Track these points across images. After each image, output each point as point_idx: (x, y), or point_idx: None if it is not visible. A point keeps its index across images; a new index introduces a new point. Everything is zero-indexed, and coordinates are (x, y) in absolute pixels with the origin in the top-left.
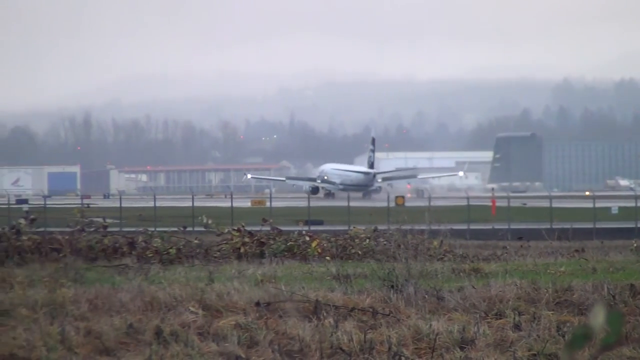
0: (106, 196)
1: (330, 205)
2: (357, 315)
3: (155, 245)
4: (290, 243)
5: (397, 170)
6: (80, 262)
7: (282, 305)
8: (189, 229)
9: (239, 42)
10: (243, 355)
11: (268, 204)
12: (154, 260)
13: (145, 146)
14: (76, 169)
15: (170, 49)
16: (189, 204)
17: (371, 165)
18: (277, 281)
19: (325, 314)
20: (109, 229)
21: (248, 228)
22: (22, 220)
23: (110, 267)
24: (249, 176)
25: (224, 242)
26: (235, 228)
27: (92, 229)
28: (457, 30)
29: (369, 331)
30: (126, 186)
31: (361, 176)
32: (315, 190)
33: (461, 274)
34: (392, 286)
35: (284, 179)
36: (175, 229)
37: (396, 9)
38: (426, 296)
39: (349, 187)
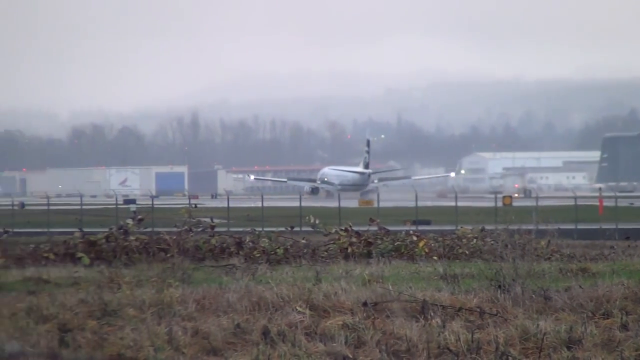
0: (214, 196)
1: (439, 205)
2: (464, 315)
3: (262, 245)
4: (397, 243)
5: (392, 170)
6: (187, 262)
7: (389, 305)
8: (296, 229)
9: (347, 42)
10: (350, 355)
11: (375, 203)
12: (261, 260)
13: (252, 146)
14: (184, 169)
15: (278, 48)
16: (296, 204)
17: (366, 166)
18: (385, 281)
19: (432, 314)
20: (217, 229)
21: (355, 228)
22: (129, 221)
23: (217, 267)
24: (252, 177)
25: (332, 242)
26: (343, 228)
27: (199, 229)
28: (565, 30)
29: (476, 331)
30: (234, 186)
31: (357, 176)
32: (315, 191)
33: (568, 273)
34: (500, 286)
35: (285, 180)
36: (283, 229)
37: (504, 9)
38: (533, 296)
39: (347, 187)
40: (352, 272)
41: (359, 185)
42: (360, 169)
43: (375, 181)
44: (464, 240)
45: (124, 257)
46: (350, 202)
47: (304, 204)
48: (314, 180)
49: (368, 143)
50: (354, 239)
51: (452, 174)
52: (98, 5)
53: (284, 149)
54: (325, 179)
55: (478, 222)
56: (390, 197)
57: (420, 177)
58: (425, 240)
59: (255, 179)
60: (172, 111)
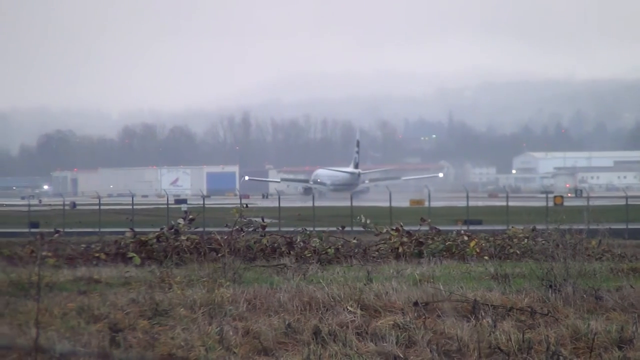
0: (265, 196)
1: (490, 204)
2: (515, 314)
3: (313, 245)
4: (448, 243)
5: (383, 171)
6: (238, 262)
7: (440, 305)
8: (347, 228)
9: (399, 41)
10: (401, 355)
11: (427, 203)
12: (312, 260)
13: (303, 146)
14: (235, 169)
15: (330, 48)
16: (347, 203)
17: (356, 166)
18: (435, 281)
19: (483, 314)
20: (268, 229)
21: (406, 228)
22: (180, 221)
23: (268, 267)
24: (247, 178)
25: (382, 241)
26: (394, 228)
27: (250, 229)
28: (617, 29)
29: (527, 331)
30: (285, 186)
31: (347, 176)
32: (308, 191)
33: (619, 273)
34: (551, 286)
35: (279, 180)
36: (334, 228)
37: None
38: (584, 296)
39: (338, 186)
40: (403, 271)
41: (350, 185)
42: (350, 169)
43: (367, 181)
44: (515, 240)
45: (175, 257)
46: (401, 202)
47: (354, 203)
48: (307, 181)
49: (357, 144)
50: (405, 239)
51: (441, 174)
52: (149, 6)
53: (335, 149)
54: (318, 180)
55: (529, 221)
56: (383, 197)
57: (409, 177)
58: (476, 240)
59: (249, 179)
60: (223, 110)
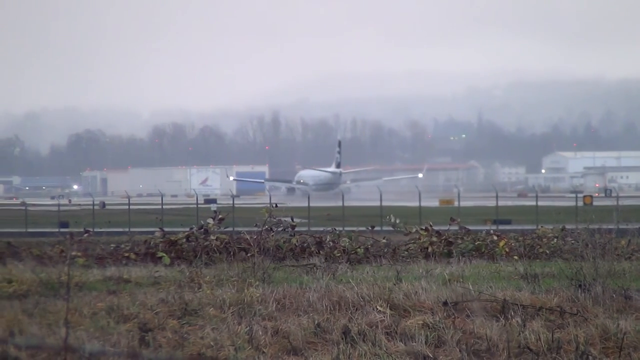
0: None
1: (520, 204)
2: (544, 314)
3: (343, 244)
4: (478, 242)
5: (362, 171)
6: (268, 262)
7: (469, 305)
8: (376, 228)
9: (428, 41)
10: (430, 355)
11: (456, 203)
12: (341, 260)
13: (333, 145)
14: (264, 169)
15: (360, 47)
16: (377, 203)
17: (337, 166)
18: (465, 280)
19: (512, 313)
20: (297, 229)
21: (436, 227)
22: (210, 220)
23: (298, 267)
24: (232, 178)
25: (412, 241)
26: (423, 227)
27: (280, 229)
28: None
29: (556, 330)
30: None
31: (329, 176)
32: (291, 191)
33: None
34: (580, 285)
35: (262, 181)
36: (363, 228)
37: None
38: (614, 295)
39: (320, 186)
40: (432, 271)
41: (332, 185)
42: (332, 169)
43: (348, 181)
44: (544, 239)
45: (204, 257)
46: (430, 201)
47: (384, 203)
48: (291, 182)
49: (339, 144)
50: (434, 239)
51: (420, 175)
52: (179, 6)
53: (365, 149)
54: (302, 180)
55: (558, 221)
56: (366, 196)
57: (390, 178)
58: (505, 239)
59: (234, 179)
60: (252, 110)
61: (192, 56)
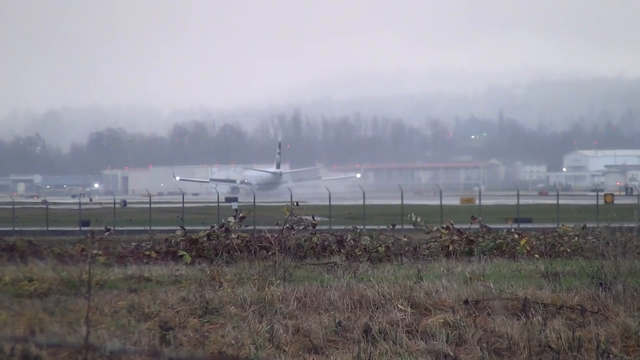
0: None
1: (541, 203)
2: (565, 313)
3: (364, 243)
4: (499, 241)
5: (303, 171)
6: (289, 260)
7: (490, 303)
8: (397, 227)
9: (450, 40)
10: (451, 354)
11: (477, 201)
12: (362, 259)
13: (354, 144)
14: (285, 167)
15: (381, 46)
16: (398, 202)
17: (278, 166)
18: (486, 279)
19: (533, 312)
20: (318, 227)
21: (457, 226)
22: (231, 219)
23: (318, 265)
24: (178, 178)
25: (433, 240)
26: (444, 226)
27: (301, 227)
28: None
29: (577, 329)
30: (335, 184)
31: (271, 176)
32: (235, 191)
33: None
34: (601, 284)
35: (207, 180)
36: (384, 227)
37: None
38: (635, 294)
39: (262, 185)
40: (453, 270)
41: (273, 184)
42: (273, 169)
43: (290, 181)
44: (565, 238)
45: (225, 255)
46: (452, 200)
47: (405, 202)
48: (234, 181)
49: (279, 145)
50: (455, 237)
51: (358, 175)
52: (200, 4)
53: (386, 147)
54: (246, 180)
55: (579, 220)
56: (308, 195)
57: (329, 177)
58: (526, 238)
59: (180, 179)
60: (273, 109)
61: (213, 54)
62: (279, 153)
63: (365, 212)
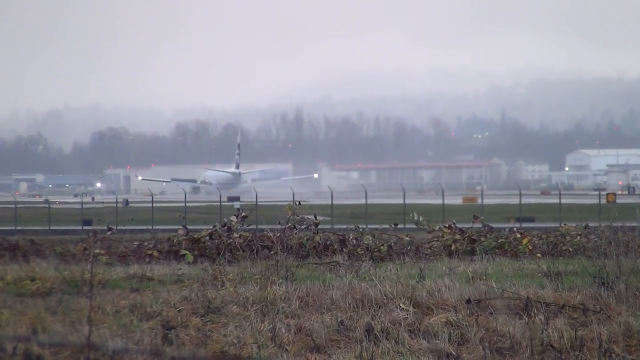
0: (317, 194)
1: (543, 202)
2: (567, 312)
3: (366, 242)
4: (501, 240)
5: (264, 171)
6: (291, 260)
7: (492, 303)
8: (399, 226)
9: (451, 39)
10: (453, 353)
11: (479, 200)
12: (364, 258)
13: (356, 143)
14: (287, 167)
15: (383, 46)
16: (400, 201)
17: (237, 166)
18: (488, 278)
19: (535, 311)
20: (320, 227)
21: (459, 225)
22: (233, 218)
23: (321, 265)
24: (140, 178)
25: (435, 239)
26: (446, 225)
27: (303, 227)
28: None
29: (579, 328)
30: (337, 183)
31: (230, 176)
32: (196, 190)
33: None
34: (603, 283)
35: (169, 180)
36: (387, 226)
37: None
38: (637, 293)
39: (222, 185)
40: (455, 269)
41: (232, 184)
42: (232, 169)
43: (249, 181)
44: (567, 237)
45: (227, 255)
46: (454, 199)
47: (407, 201)
48: (195, 181)
49: (239, 146)
50: (457, 236)
51: (315, 175)
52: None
53: (388, 146)
54: (206, 180)
55: (582, 219)
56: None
57: (288, 178)
58: (528, 237)
59: (142, 179)
60: (275, 108)
61: (214, 54)
62: (238, 154)
63: (368, 211)
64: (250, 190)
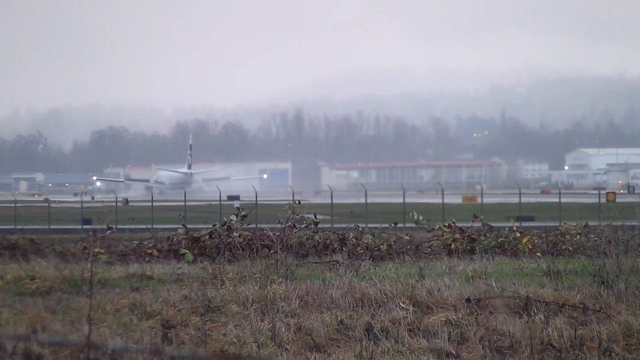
0: (317, 193)
1: (543, 201)
2: (567, 311)
3: (366, 241)
4: (501, 239)
5: (213, 171)
6: (290, 259)
7: (492, 302)
8: (399, 225)
9: (452, 39)
10: (453, 352)
11: (479, 199)
12: (364, 257)
13: (356, 142)
14: (287, 166)
15: (383, 45)
16: (400, 200)
17: (189, 167)
18: (488, 277)
19: (535, 310)
20: (320, 226)
21: (459, 224)
22: (233, 217)
23: (320, 264)
24: (95, 178)
25: (435, 238)
26: (446, 224)
27: (303, 226)
28: None
29: (579, 327)
30: (337, 182)
31: (182, 176)
32: (149, 189)
33: None
34: (603, 282)
35: (123, 180)
36: (386, 225)
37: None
38: (637, 292)
39: (174, 185)
40: (455, 268)
41: (184, 184)
42: (184, 169)
43: (200, 181)
44: (567, 236)
45: (227, 254)
46: (453, 198)
47: (407, 200)
48: (148, 181)
49: (190, 147)
50: (457, 235)
51: (265, 176)
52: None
53: (388, 146)
54: (159, 180)
55: (581, 218)
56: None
57: (237, 178)
58: (528, 236)
59: (97, 179)
60: (275, 107)
61: (215, 53)
62: (190, 154)
63: (367, 210)
64: (201, 189)
